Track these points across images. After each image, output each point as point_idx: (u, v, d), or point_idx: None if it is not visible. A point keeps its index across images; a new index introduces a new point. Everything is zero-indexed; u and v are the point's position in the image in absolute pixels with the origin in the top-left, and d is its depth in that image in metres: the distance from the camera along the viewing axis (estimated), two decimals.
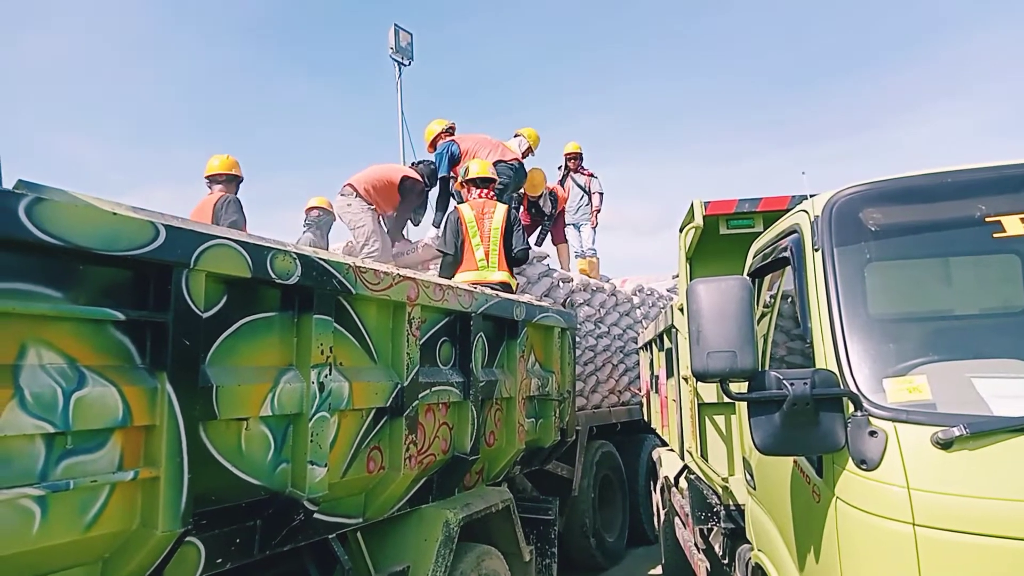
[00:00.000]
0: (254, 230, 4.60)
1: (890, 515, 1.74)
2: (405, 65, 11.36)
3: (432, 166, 6.36)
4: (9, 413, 1.58)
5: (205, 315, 2.06)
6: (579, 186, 8.27)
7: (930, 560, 1.68)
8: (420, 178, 6.29)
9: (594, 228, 8.38)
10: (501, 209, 5.31)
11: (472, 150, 6.16)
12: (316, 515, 2.54)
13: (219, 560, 2.21)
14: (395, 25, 11.19)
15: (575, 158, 8.37)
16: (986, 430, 1.71)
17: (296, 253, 2.39)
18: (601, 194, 8.38)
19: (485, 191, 5.40)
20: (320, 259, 2.50)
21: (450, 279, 4.62)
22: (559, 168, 8.52)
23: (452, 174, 6.18)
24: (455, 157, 6.14)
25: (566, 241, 7.98)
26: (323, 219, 6.84)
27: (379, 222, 6.07)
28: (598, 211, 8.33)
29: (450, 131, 6.60)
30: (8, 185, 1.64)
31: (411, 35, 11.44)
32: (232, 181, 5.43)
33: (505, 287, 4.95)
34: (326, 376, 2.50)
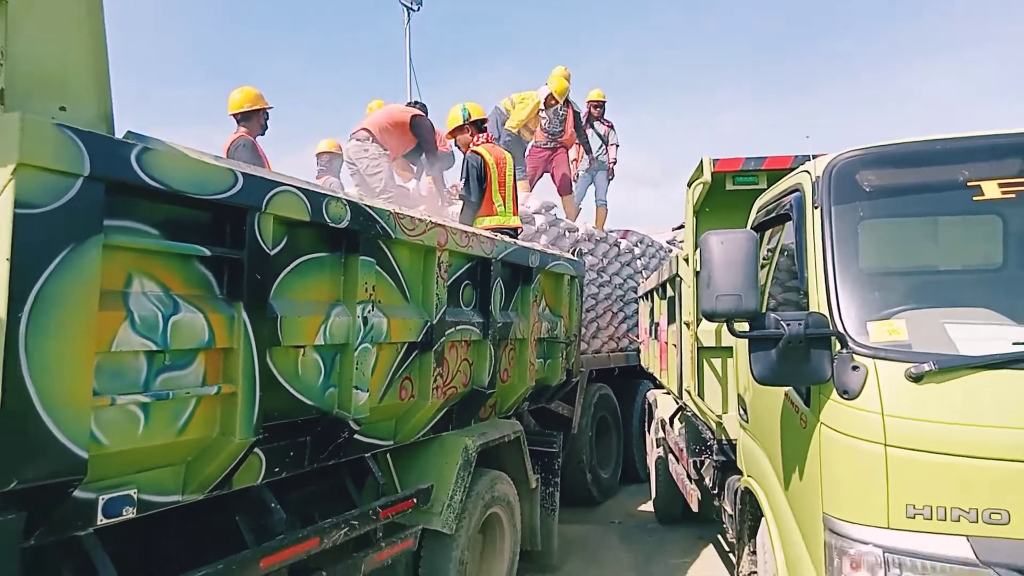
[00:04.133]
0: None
1: (866, 437, 2.05)
2: (414, 10, 11.38)
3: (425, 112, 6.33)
4: (123, 332, 1.85)
5: (272, 253, 2.32)
6: (599, 135, 8.29)
7: (897, 474, 2.00)
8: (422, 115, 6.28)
9: (609, 179, 8.48)
10: (510, 157, 5.51)
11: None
12: (357, 435, 2.84)
13: (276, 469, 2.52)
14: None
15: (598, 106, 8.33)
16: (951, 366, 2.01)
17: (346, 199, 2.63)
18: (617, 145, 8.45)
19: (487, 134, 5.54)
20: (366, 205, 2.74)
21: (470, 224, 4.85)
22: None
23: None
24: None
25: (572, 192, 8.12)
26: (334, 162, 6.98)
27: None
28: (615, 162, 8.41)
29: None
30: (118, 135, 1.87)
31: None
32: (254, 116, 5.31)
33: (517, 232, 5.21)
34: (369, 311, 2.78)
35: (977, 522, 1.92)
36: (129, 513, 1.96)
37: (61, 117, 1.75)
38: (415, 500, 3.16)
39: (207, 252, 2.10)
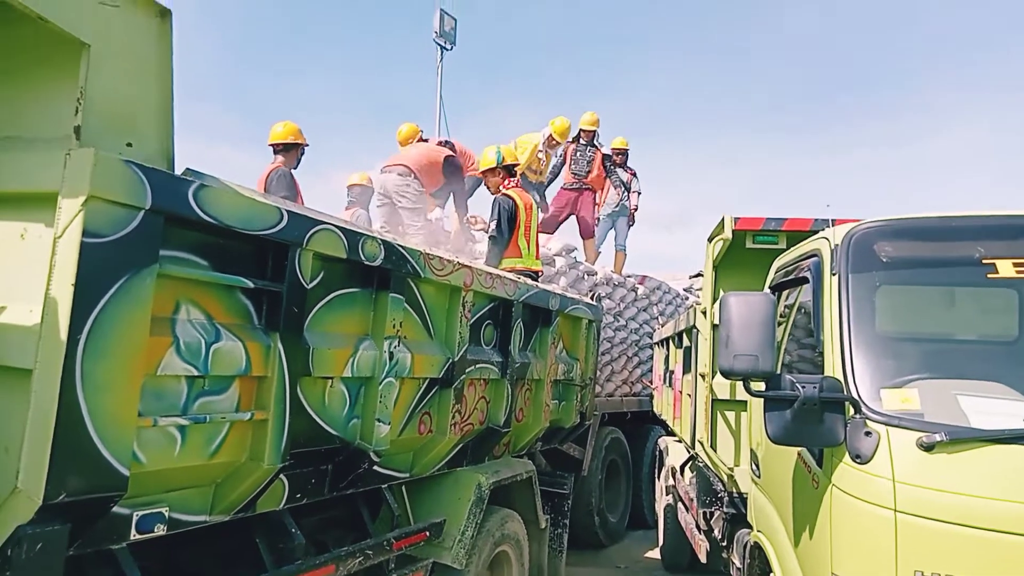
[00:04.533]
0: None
1: (876, 501, 2.09)
2: (447, 49, 11.70)
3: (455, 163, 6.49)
4: (168, 357, 1.95)
5: (309, 287, 2.43)
6: (621, 182, 8.46)
7: (906, 540, 2.04)
8: (454, 155, 6.49)
9: (629, 225, 8.61)
10: (534, 202, 5.65)
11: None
12: (376, 467, 2.92)
13: (298, 495, 2.59)
14: (440, 10, 11.52)
15: (621, 154, 8.49)
16: (962, 438, 2.06)
17: (381, 239, 2.75)
18: (639, 193, 8.59)
19: (516, 179, 5.70)
20: (399, 245, 2.86)
21: (496, 263, 4.95)
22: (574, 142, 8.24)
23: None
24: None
25: (594, 236, 8.24)
26: (364, 195, 7.15)
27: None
28: (636, 209, 8.55)
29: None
30: (178, 170, 2.00)
31: (455, 20, 11.77)
32: (290, 150, 5.53)
33: (537, 276, 5.32)
34: (395, 347, 2.87)
35: None
36: (160, 530, 2.04)
37: (127, 153, 1.87)
38: (428, 533, 3.21)
39: (250, 284, 2.21)
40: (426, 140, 7.08)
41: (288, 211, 2.29)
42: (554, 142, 7.74)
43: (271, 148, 5.52)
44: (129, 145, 1.88)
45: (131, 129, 1.90)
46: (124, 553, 2.00)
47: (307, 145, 5.64)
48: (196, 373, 2.04)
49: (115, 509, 1.88)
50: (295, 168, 5.58)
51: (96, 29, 1.79)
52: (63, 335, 1.66)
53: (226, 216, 2.06)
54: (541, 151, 7.72)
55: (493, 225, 5.26)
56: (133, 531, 1.98)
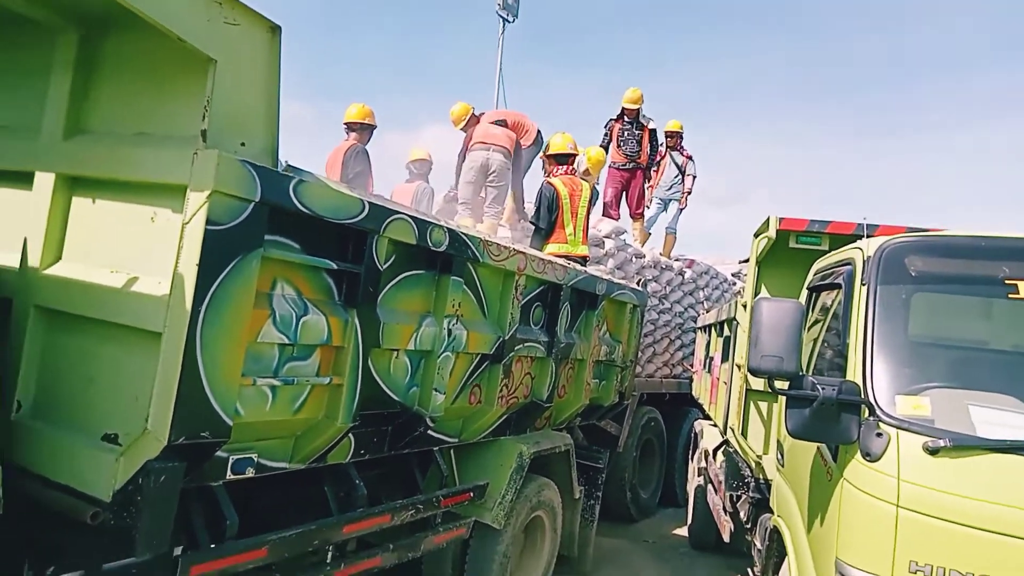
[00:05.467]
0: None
1: (882, 496, 2.32)
2: (509, 22, 11.81)
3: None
4: (267, 327, 2.28)
5: (382, 268, 2.73)
6: (675, 164, 8.51)
7: (905, 533, 2.26)
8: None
9: (681, 209, 8.70)
10: (586, 188, 5.86)
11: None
12: (430, 431, 3.25)
13: (362, 452, 2.93)
14: None
15: (675, 136, 8.56)
16: (966, 445, 2.26)
17: (447, 227, 3.03)
18: (694, 177, 8.65)
19: (567, 167, 5.92)
20: (463, 233, 3.14)
21: (539, 249, 5.22)
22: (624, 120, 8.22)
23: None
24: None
25: (643, 216, 8.36)
26: (424, 168, 7.43)
27: None
28: (689, 193, 8.60)
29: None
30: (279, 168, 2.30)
31: None
32: (365, 129, 6.00)
33: (584, 260, 5.55)
34: (453, 324, 3.17)
35: None
36: (250, 472, 2.40)
37: (241, 151, 2.18)
38: (472, 494, 3.54)
39: (334, 265, 2.53)
40: (479, 116, 7.23)
41: (369, 202, 2.59)
42: (588, 175, 7.28)
43: (345, 126, 5.89)
44: (243, 144, 2.19)
45: (244, 130, 2.21)
46: (220, 490, 2.37)
47: (376, 127, 5.99)
48: (287, 341, 2.37)
49: (217, 452, 2.23)
50: (366, 144, 5.93)
51: (221, 45, 2.09)
52: (188, 305, 1.99)
53: (318, 207, 2.37)
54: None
55: (533, 213, 5.51)
56: (229, 472, 2.33)
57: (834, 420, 2.43)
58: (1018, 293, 2.50)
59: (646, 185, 8.40)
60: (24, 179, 2.40)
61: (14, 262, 2.35)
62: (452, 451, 3.75)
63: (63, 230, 2.35)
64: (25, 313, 2.30)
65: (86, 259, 2.29)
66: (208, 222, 2.02)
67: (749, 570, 5.52)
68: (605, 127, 8.21)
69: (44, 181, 2.34)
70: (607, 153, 7.98)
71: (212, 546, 2.29)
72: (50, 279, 2.31)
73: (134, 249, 2.21)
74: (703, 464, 6.03)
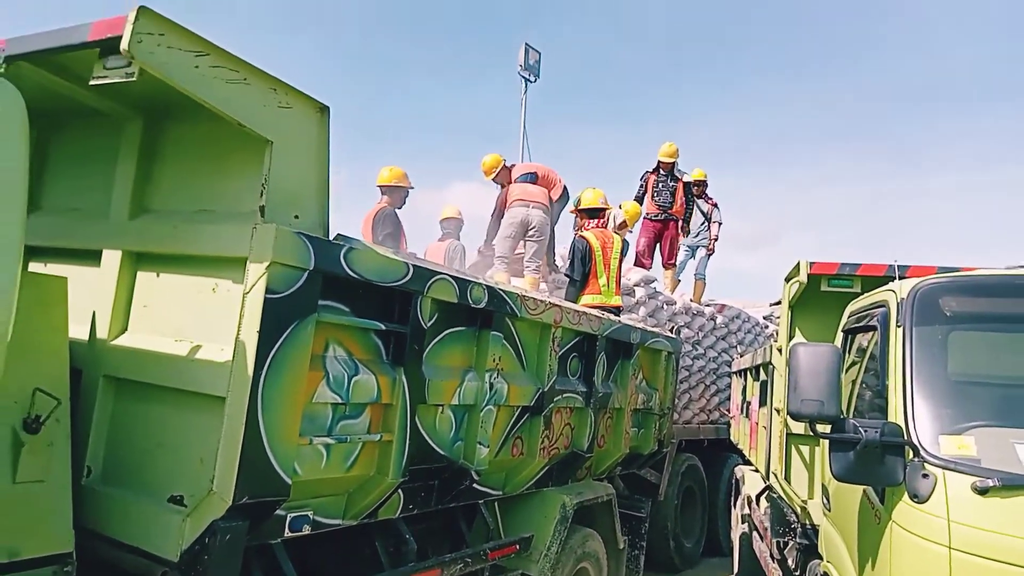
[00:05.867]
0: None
1: (932, 539, 2.31)
2: (531, 82, 12.15)
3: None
4: (321, 387, 2.39)
5: (427, 327, 2.84)
6: (701, 212, 8.70)
7: (958, 575, 2.25)
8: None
9: (709, 255, 8.82)
10: (618, 240, 6.00)
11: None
12: (475, 484, 3.30)
13: (411, 506, 2.99)
14: (526, 44, 11.98)
15: (699, 184, 8.76)
16: (1016, 484, 2.26)
17: (486, 284, 3.14)
18: (720, 223, 8.81)
19: (599, 220, 6.07)
20: (501, 289, 3.25)
21: (574, 300, 5.32)
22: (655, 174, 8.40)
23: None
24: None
25: (675, 265, 8.46)
26: (455, 227, 7.61)
27: None
28: (716, 239, 8.76)
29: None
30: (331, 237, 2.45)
31: (539, 54, 12.22)
32: (397, 191, 6.10)
33: (618, 310, 5.63)
34: (494, 378, 3.26)
35: None
36: (306, 530, 2.48)
37: (295, 224, 2.33)
38: (518, 546, 3.56)
39: (382, 326, 2.64)
40: (510, 168, 7.44)
41: (414, 265, 2.71)
42: (625, 227, 7.57)
43: (379, 189, 6.07)
44: (296, 217, 2.34)
45: (298, 203, 2.36)
46: (279, 547, 2.44)
47: (412, 188, 6.16)
48: (340, 401, 2.48)
49: (276, 511, 2.32)
50: (400, 207, 6.11)
51: (276, 127, 2.26)
52: (250, 370, 2.11)
53: (366, 272, 2.50)
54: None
55: (567, 266, 5.68)
56: (287, 530, 2.41)
57: (879, 462, 2.44)
58: None
59: (679, 237, 8.56)
60: (92, 257, 2.57)
61: (83, 335, 2.50)
62: (497, 504, 3.79)
63: (129, 303, 2.51)
64: (94, 383, 2.44)
65: (151, 330, 2.44)
66: (267, 291, 2.15)
67: None
68: (641, 179, 8.44)
69: (111, 258, 2.51)
70: (641, 204, 8.21)
71: None
72: (117, 349, 2.45)
73: (196, 318, 2.35)
74: (747, 511, 5.94)
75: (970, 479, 2.31)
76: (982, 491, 2.28)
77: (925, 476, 2.38)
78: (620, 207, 7.83)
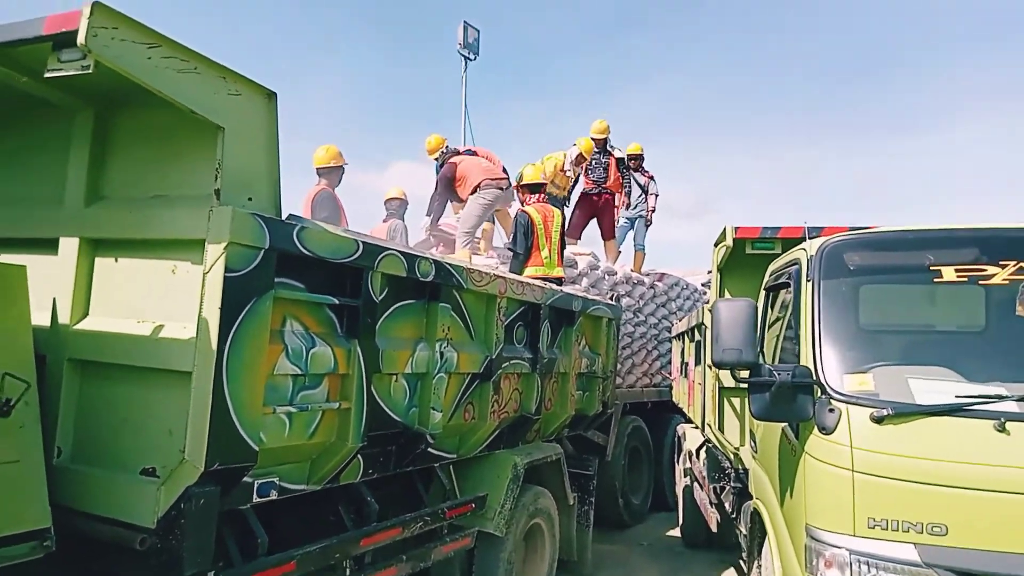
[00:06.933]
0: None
1: (838, 464, 2.62)
2: (471, 60, 12.25)
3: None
4: (281, 360, 2.54)
5: (378, 300, 3.00)
6: (639, 185, 9.03)
7: (861, 494, 2.57)
8: None
9: (647, 226, 9.16)
10: (558, 214, 6.23)
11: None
12: (430, 448, 3.50)
13: (370, 471, 3.17)
14: (464, 22, 12.06)
15: (636, 158, 9.10)
16: (905, 411, 2.58)
17: (433, 259, 3.32)
18: (657, 195, 9.15)
19: (540, 195, 6.28)
20: (447, 263, 3.43)
21: (518, 273, 5.53)
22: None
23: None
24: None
25: (615, 237, 8.76)
26: (400, 208, 7.71)
27: None
28: (653, 211, 9.10)
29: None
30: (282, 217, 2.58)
31: (478, 32, 12.31)
32: (334, 172, 6.14)
33: (560, 281, 5.88)
34: (444, 347, 3.44)
35: (922, 533, 2.47)
36: (273, 495, 2.64)
37: (249, 205, 2.46)
38: (473, 505, 3.79)
39: (336, 301, 2.80)
40: (455, 149, 7.62)
41: (363, 242, 2.87)
42: (582, 159, 8.32)
43: (316, 171, 6.10)
44: (250, 199, 2.46)
45: (250, 186, 2.49)
46: (250, 512, 2.60)
47: (347, 165, 6.20)
48: (299, 372, 2.63)
49: (244, 478, 2.47)
50: (337, 185, 6.15)
51: (226, 114, 2.37)
52: (214, 345, 2.25)
53: (319, 249, 2.64)
54: (568, 168, 8.30)
55: (510, 240, 5.90)
56: (255, 495, 2.57)
57: (791, 401, 2.74)
58: (942, 278, 2.86)
59: (617, 210, 8.89)
60: (49, 245, 2.65)
61: (45, 321, 2.58)
62: (452, 467, 4.00)
63: (89, 288, 2.60)
64: (59, 367, 2.53)
65: (113, 313, 2.54)
66: (227, 269, 2.28)
67: (741, 562, 5.81)
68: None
69: (69, 245, 2.59)
70: (577, 183, 8.62)
71: (245, 563, 2.52)
72: (80, 333, 2.55)
73: (157, 300, 2.46)
74: (688, 465, 6.31)
75: (868, 410, 2.62)
76: (878, 419, 2.60)
77: (831, 411, 2.68)
78: (575, 144, 8.19)
